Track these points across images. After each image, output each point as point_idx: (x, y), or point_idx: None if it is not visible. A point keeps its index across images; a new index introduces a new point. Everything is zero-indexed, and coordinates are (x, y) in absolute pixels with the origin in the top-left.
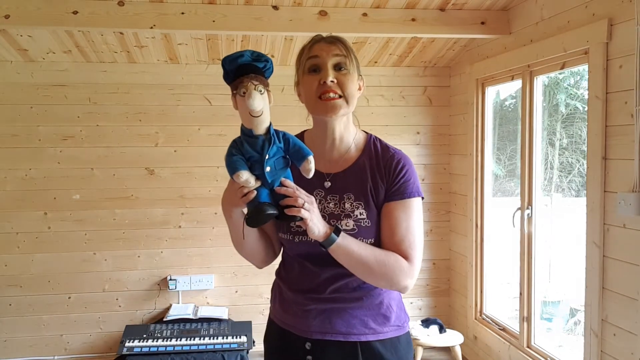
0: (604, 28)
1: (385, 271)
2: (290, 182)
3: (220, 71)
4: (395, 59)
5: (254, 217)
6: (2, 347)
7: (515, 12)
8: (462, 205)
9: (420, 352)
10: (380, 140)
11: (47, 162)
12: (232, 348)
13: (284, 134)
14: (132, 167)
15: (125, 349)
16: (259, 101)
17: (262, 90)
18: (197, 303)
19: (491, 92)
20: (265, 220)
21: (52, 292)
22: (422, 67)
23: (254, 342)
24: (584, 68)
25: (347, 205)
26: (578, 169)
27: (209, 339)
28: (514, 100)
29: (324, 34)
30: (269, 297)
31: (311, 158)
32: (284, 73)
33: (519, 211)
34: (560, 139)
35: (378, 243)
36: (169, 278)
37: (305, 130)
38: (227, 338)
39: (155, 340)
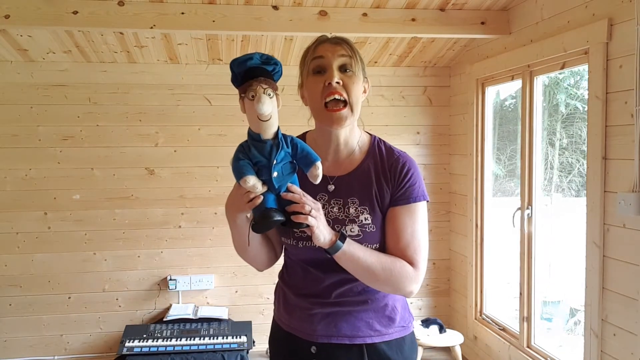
0: (604, 28)
1: (390, 277)
2: (297, 188)
3: (220, 71)
4: (395, 59)
5: (260, 223)
6: (2, 347)
7: (515, 12)
8: (462, 205)
9: (420, 352)
10: (384, 142)
11: (47, 162)
12: (232, 348)
13: (292, 139)
14: (132, 167)
15: (125, 349)
16: (268, 105)
17: (272, 94)
18: (197, 303)
19: (491, 92)
20: (272, 226)
21: (52, 292)
22: (422, 67)
23: (254, 342)
24: (584, 68)
25: (352, 210)
26: (578, 169)
27: (209, 339)
28: (514, 100)
29: (329, 35)
30: (269, 297)
31: (319, 164)
32: (284, 73)
33: (519, 211)
34: (560, 139)
35: (383, 247)
36: (169, 278)
37: (307, 132)
38: (227, 338)
39: (155, 340)
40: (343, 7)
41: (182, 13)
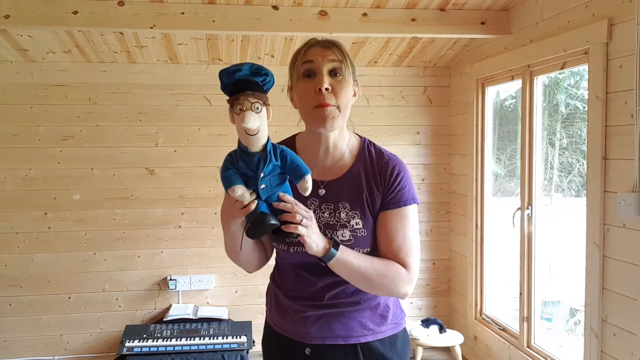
0: (604, 28)
1: (384, 281)
2: (289, 197)
3: None
4: (395, 59)
5: (255, 228)
6: (2, 347)
7: (515, 12)
8: (462, 205)
9: (420, 352)
10: (374, 144)
11: (47, 162)
12: (232, 348)
13: (282, 150)
14: (132, 167)
15: (125, 349)
16: (255, 121)
17: (259, 107)
18: (197, 303)
19: (491, 92)
20: (266, 231)
21: (52, 292)
22: (422, 67)
23: (254, 342)
24: (584, 68)
25: (343, 215)
26: (578, 169)
27: (209, 339)
28: (514, 100)
29: (319, 38)
30: None
31: (309, 177)
32: (284, 73)
33: (519, 211)
34: (560, 139)
35: (374, 251)
36: (169, 278)
37: (297, 134)
38: (227, 338)
39: (155, 340)
40: (343, 7)
41: (182, 13)
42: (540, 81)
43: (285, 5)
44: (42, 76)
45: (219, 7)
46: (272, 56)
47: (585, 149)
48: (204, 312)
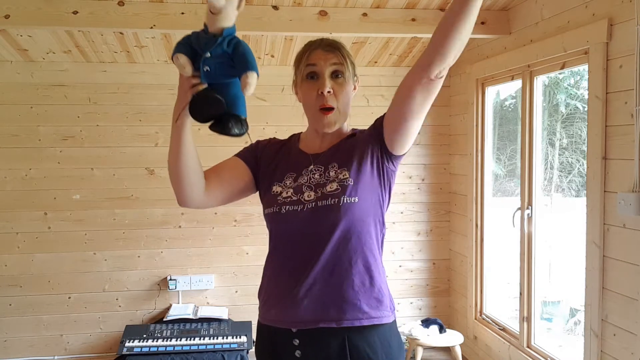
0: (604, 28)
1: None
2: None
3: None
4: (395, 59)
5: (199, 103)
6: (2, 347)
7: (515, 12)
8: (462, 205)
9: (420, 352)
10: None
11: (47, 162)
12: (232, 348)
13: (239, 42)
14: (132, 167)
15: (125, 349)
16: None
17: None
18: (197, 303)
19: (491, 92)
20: (211, 108)
21: (52, 292)
22: None
23: (254, 342)
24: (584, 68)
25: (332, 173)
26: (578, 169)
27: (209, 339)
28: (514, 100)
29: (322, 38)
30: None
31: (253, 74)
32: (284, 73)
33: (519, 211)
34: (560, 139)
35: (363, 204)
36: (169, 278)
37: (301, 133)
38: (227, 338)
39: (155, 340)
40: (343, 7)
41: (182, 13)
42: (540, 81)
43: (285, 5)
44: (42, 76)
45: None
46: (272, 56)
47: (585, 149)
48: (204, 312)
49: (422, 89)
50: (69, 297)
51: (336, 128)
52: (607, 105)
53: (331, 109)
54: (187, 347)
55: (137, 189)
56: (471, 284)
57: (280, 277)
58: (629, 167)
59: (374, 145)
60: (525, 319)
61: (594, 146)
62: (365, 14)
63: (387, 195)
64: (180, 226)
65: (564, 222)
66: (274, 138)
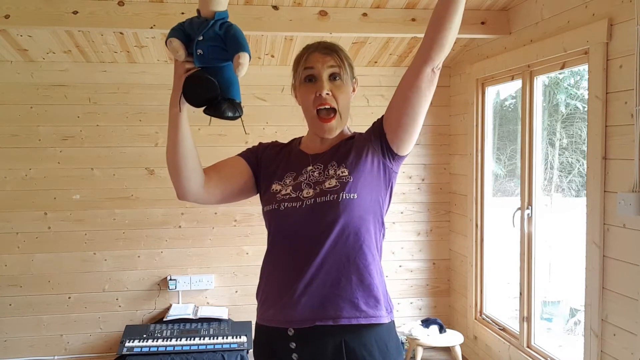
0: (604, 28)
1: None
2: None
3: None
4: (395, 59)
5: (192, 85)
6: (2, 347)
7: (515, 12)
8: (462, 205)
9: (420, 352)
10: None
11: (47, 162)
12: (232, 348)
13: (230, 25)
14: (132, 167)
15: (125, 349)
16: None
17: None
18: (197, 303)
19: (491, 92)
20: (204, 90)
21: (52, 292)
22: None
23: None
24: (584, 68)
25: (331, 172)
26: (578, 169)
27: (209, 339)
28: (514, 100)
29: (320, 41)
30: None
31: (245, 55)
32: (284, 73)
33: (519, 211)
34: (560, 139)
35: (362, 200)
36: (169, 278)
37: (302, 137)
38: (227, 338)
39: (155, 340)
40: (343, 7)
41: (182, 13)
42: (540, 81)
43: (285, 5)
44: (42, 76)
45: None
46: (272, 56)
47: (585, 149)
48: (204, 312)
49: (427, 80)
50: (69, 297)
51: (337, 133)
52: (607, 105)
53: (332, 109)
54: (187, 347)
55: (137, 189)
56: (471, 284)
57: (279, 274)
58: (629, 167)
59: (374, 145)
60: (525, 319)
61: (594, 146)
62: (365, 14)
63: (388, 197)
64: (180, 226)
65: (564, 222)
66: (276, 141)
